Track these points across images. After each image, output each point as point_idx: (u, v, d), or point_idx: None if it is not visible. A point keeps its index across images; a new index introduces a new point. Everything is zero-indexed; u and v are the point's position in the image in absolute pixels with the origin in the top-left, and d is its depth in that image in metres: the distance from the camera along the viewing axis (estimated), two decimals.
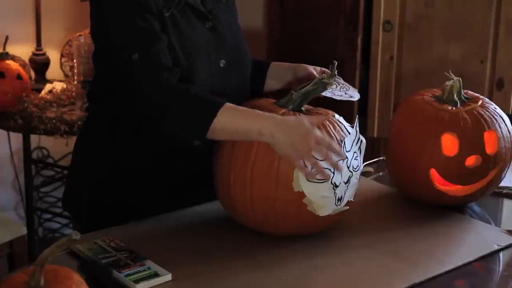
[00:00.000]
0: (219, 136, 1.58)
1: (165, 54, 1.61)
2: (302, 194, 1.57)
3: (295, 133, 1.52)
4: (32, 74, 3.31)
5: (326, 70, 1.80)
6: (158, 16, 1.63)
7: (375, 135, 3.34)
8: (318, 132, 1.54)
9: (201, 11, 1.71)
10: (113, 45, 1.63)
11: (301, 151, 1.52)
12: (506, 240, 1.68)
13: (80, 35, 3.16)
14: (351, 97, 1.75)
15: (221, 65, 1.72)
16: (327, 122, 1.62)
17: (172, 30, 1.64)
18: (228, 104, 1.56)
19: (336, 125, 1.63)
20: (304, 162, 1.53)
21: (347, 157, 1.60)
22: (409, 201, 1.87)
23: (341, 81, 1.79)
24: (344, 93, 1.75)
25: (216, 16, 1.74)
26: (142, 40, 1.60)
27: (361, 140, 1.65)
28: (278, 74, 1.87)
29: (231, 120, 1.55)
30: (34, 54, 3.31)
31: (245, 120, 1.55)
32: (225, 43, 1.74)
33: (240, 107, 1.58)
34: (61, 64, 3.37)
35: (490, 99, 1.94)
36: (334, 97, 1.71)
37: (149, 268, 1.47)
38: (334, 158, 1.54)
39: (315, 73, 1.80)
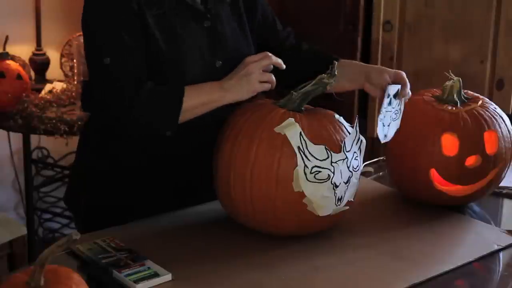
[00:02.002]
0: (187, 117, 1.63)
1: (137, 67, 1.62)
2: (302, 194, 1.57)
3: (242, 74, 1.64)
4: (32, 74, 3.31)
5: (401, 72, 1.74)
6: (139, 15, 1.62)
7: (375, 135, 3.34)
8: (252, 58, 1.66)
9: (197, 10, 1.70)
10: (89, 45, 1.65)
11: (253, 85, 1.64)
12: (506, 240, 1.68)
13: (80, 35, 3.16)
14: (385, 135, 1.73)
15: (217, 65, 1.71)
16: (327, 122, 1.62)
17: (160, 28, 1.64)
18: (186, 88, 1.62)
19: (336, 125, 1.63)
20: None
21: (347, 157, 1.60)
22: (409, 201, 1.87)
23: (400, 107, 1.74)
24: (388, 122, 1.72)
25: (216, 16, 1.73)
26: (117, 47, 1.61)
27: (361, 140, 1.65)
28: (351, 75, 1.79)
29: (196, 100, 1.63)
30: (34, 54, 3.31)
31: (209, 95, 1.64)
32: (224, 43, 1.73)
33: (195, 86, 1.64)
34: (61, 64, 3.37)
35: (490, 99, 1.94)
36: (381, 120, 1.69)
37: (149, 268, 1.47)
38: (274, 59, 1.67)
39: (388, 79, 1.73)
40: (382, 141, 1.73)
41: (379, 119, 1.69)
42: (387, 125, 1.72)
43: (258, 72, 1.64)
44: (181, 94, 1.61)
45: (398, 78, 1.73)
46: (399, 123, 1.75)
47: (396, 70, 1.76)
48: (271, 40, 1.88)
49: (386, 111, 1.71)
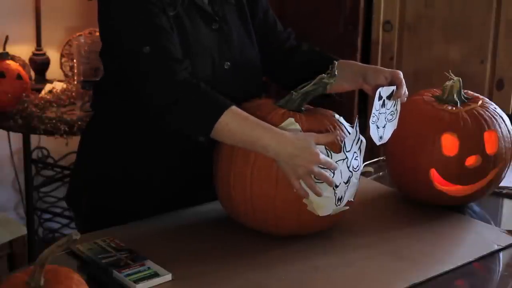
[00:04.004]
0: (224, 138, 1.57)
1: (175, 47, 1.60)
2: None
3: (301, 158, 1.52)
4: (32, 74, 3.31)
5: (397, 72, 1.71)
6: (163, 13, 1.62)
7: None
8: (322, 158, 1.53)
9: (206, 12, 1.70)
10: (121, 39, 1.61)
11: (301, 174, 1.53)
12: (506, 240, 1.68)
13: (80, 35, 3.17)
14: (380, 137, 1.71)
15: (226, 67, 1.72)
16: (327, 122, 1.62)
17: (176, 30, 1.64)
18: (235, 108, 1.55)
19: (336, 125, 1.63)
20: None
21: (347, 157, 1.60)
22: (409, 201, 1.87)
23: (396, 108, 1.72)
24: (382, 124, 1.71)
25: (223, 17, 1.73)
26: (152, 33, 1.58)
27: (361, 140, 1.65)
28: (349, 76, 1.77)
29: (238, 126, 1.54)
30: (34, 54, 3.31)
31: (252, 131, 1.54)
32: (231, 45, 1.73)
33: (249, 116, 1.56)
34: (61, 64, 3.37)
35: (490, 99, 1.94)
36: (373, 120, 1.66)
37: (149, 268, 1.47)
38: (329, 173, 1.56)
39: (384, 80, 1.71)
40: (378, 143, 1.72)
41: (370, 122, 1.67)
42: (382, 126, 1.71)
43: (311, 172, 1.53)
44: (224, 108, 1.53)
45: (394, 78, 1.71)
46: (396, 123, 1.73)
47: (393, 70, 1.74)
48: (272, 40, 1.88)
49: (379, 113, 1.69)
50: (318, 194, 1.55)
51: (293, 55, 1.87)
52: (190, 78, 1.58)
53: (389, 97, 1.70)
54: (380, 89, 1.67)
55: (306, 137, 1.55)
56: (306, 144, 1.53)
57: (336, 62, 1.67)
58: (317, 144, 1.54)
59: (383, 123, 1.71)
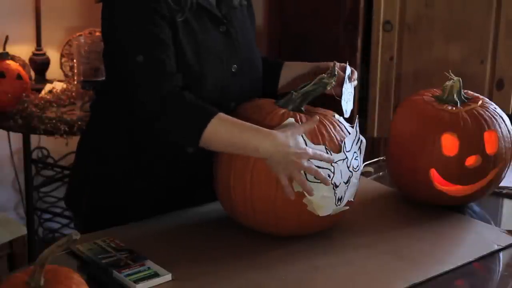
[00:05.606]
0: (214, 146, 1.57)
1: (170, 60, 1.60)
2: (302, 194, 1.57)
3: (292, 154, 1.53)
4: (32, 74, 3.30)
5: (345, 65, 1.77)
6: (170, 20, 1.62)
7: (375, 135, 3.34)
8: (311, 151, 1.54)
9: (215, 15, 1.70)
10: (119, 45, 1.63)
11: (292, 170, 1.54)
12: (506, 240, 1.68)
13: (80, 35, 3.16)
14: (346, 110, 1.73)
15: (233, 70, 1.72)
16: (327, 122, 1.62)
17: (185, 34, 1.64)
18: (222, 114, 1.56)
19: (336, 125, 1.63)
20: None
21: (347, 157, 1.60)
22: (409, 201, 1.87)
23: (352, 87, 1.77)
24: (347, 99, 1.74)
25: (230, 21, 1.73)
26: (149, 43, 1.59)
27: (361, 140, 1.65)
28: (300, 72, 1.84)
29: (227, 132, 1.55)
30: (34, 54, 3.30)
31: (242, 134, 1.55)
32: (238, 47, 1.74)
33: (236, 120, 1.57)
34: (61, 64, 3.36)
35: (490, 99, 1.94)
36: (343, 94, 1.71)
37: (149, 268, 1.48)
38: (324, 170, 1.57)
39: (336, 62, 1.75)
40: (346, 115, 1.72)
41: (342, 92, 1.70)
42: (346, 102, 1.73)
43: (302, 168, 1.54)
44: (211, 116, 1.54)
45: (344, 66, 1.76)
46: (351, 104, 1.75)
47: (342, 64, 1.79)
48: None
49: (345, 89, 1.72)
50: (309, 193, 1.55)
51: None
52: (177, 90, 1.59)
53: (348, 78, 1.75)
54: (347, 66, 1.74)
55: (293, 131, 1.55)
56: (294, 140, 1.54)
57: (336, 62, 1.68)
58: (301, 133, 1.56)
59: (347, 99, 1.73)
